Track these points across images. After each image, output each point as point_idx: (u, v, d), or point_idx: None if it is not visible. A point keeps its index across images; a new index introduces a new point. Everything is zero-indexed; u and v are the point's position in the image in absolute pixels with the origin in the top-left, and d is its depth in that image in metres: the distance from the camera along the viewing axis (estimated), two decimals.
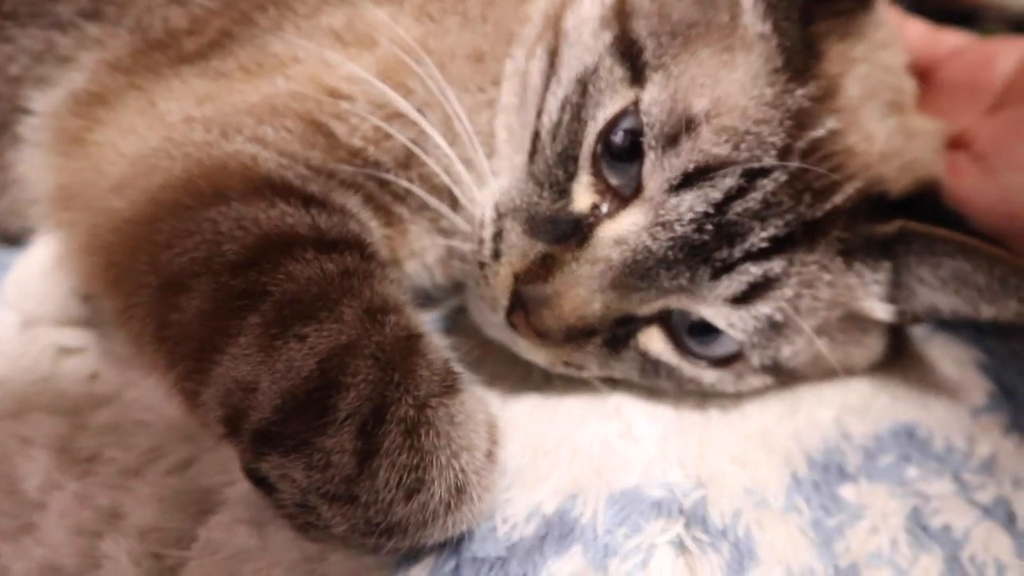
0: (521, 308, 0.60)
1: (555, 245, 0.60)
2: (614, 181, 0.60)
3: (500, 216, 0.62)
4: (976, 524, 0.60)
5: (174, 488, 0.59)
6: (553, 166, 0.61)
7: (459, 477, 0.50)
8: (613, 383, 0.67)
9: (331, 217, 0.59)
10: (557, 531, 0.55)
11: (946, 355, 0.77)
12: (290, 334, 0.51)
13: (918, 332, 0.79)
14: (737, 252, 0.58)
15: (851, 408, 0.70)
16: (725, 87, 0.58)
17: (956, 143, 0.71)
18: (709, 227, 0.57)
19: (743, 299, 0.59)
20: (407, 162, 0.65)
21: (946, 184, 0.68)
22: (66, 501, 0.58)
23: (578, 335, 0.60)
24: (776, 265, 0.58)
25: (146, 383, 0.65)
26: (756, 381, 0.66)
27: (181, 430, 0.62)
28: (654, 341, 0.63)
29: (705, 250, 0.58)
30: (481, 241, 0.63)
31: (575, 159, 0.61)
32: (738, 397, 0.68)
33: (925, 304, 0.66)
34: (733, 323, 0.60)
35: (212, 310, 0.53)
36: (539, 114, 0.63)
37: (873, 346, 0.69)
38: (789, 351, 0.63)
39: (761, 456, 0.64)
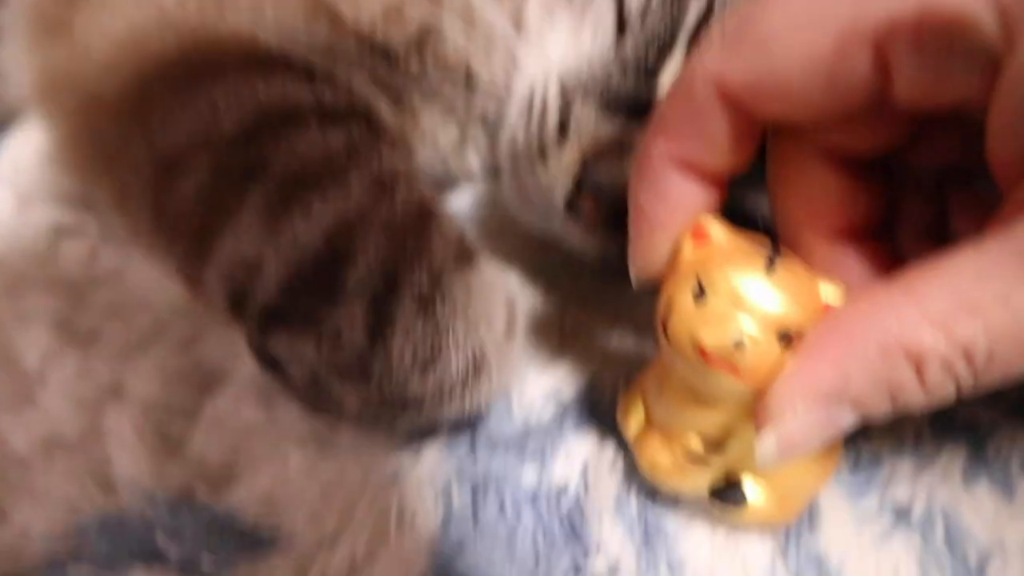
0: (590, 190, 0.55)
1: (634, 125, 0.54)
2: None
3: (568, 94, 0.57)
4: (1001, 418, 0.58)
5: (178, 364, 0.57)
6: (641, 45, 0.56)
7: (477, 350, 0.48)
8: None
9: (336, 91, 0.56)
10: (576, 413, 0.54)
11: None
12: (295, 208, 0.48)
13: None
14: None
15: None
16: None
17: None
18: None
19: None
20: (420, 43, 0.61)
21: None
22: (66, 375, 0.56)
23: None
24: None
25: (147, 263, 0.63)
26: None
27: (184, 308, 0.60)
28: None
29: None
30: (542, 122, 0.58)
31: (671, 38, 0.55)
32: None
33: None
34: None
35: (211, 188, 0.51)
36: None
37: None
38: None
39: None
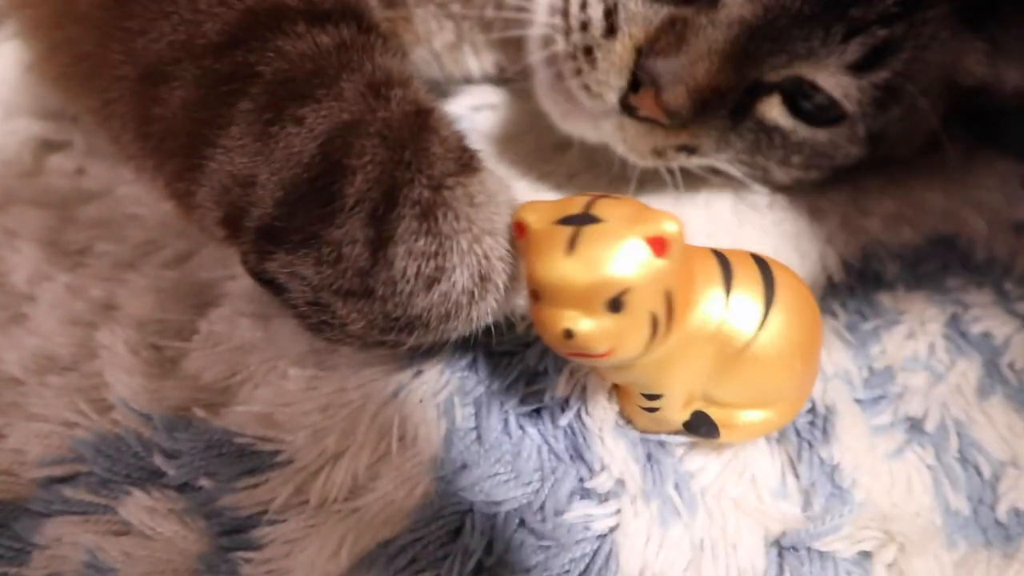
0: (650, 85, 0.53)
1: (684, 6, 0.53)
2: None
3: None
4: (1016, 332, 0.57)
5: (172, 281, 0.56)
6: None
7: (482, 264, 0.46)
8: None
9: None
10: None
11: (989, 170, 0.73)
12: (286, 118, 0.45)
13: (962, 147, 0.74)
14: (872, 12, 0.53)
15: (890, 217, 0.66)
16: None
17: None
18: None
19: (863, 66, 0.55)
20: None
21: None
22: (57, 293, 0.55)
23: (708, 108, 0.55)
24: (899, 28, 0.54)
25: (136, 178, 0.61)
26: (854, 149, 0.63)
27: (176, 225, 0.58)
28: (773, 108, 0.59)
29: (840, 5, 0.52)
30: (585, 24, 0.55)
31: None
32: (832, 171, 0.65)
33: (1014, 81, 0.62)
34: (849, 93, 0.56)
35: (198, 99, 0.48)
36: None
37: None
38: (895, 116, 0.60)
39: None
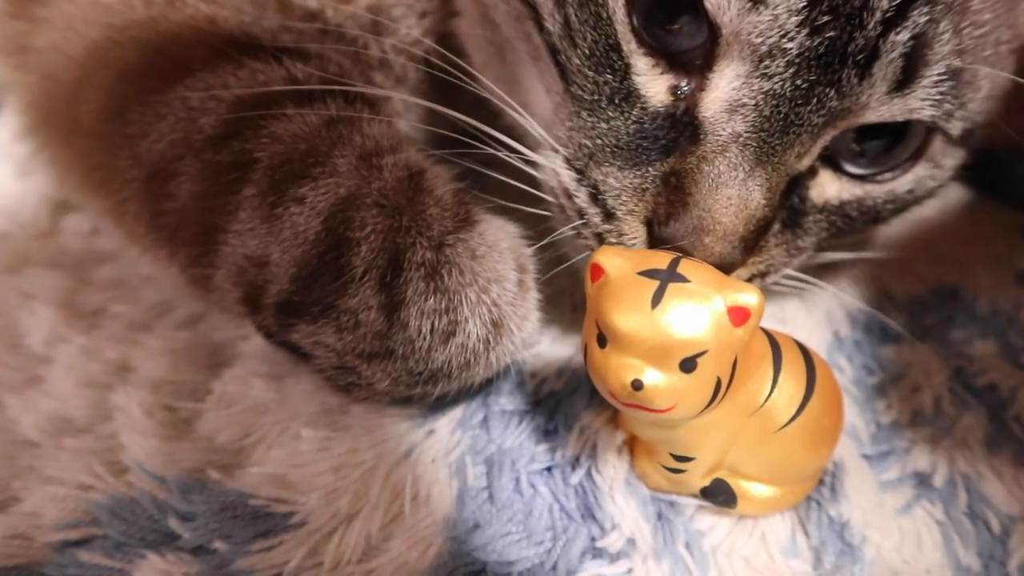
0: (680, 252, 0.45)
1: (667, 158, 0.47)
2: (677, 45, 0.47)
3: (583, 173, 0.49)
4: (1022, 385, 0.58)
5: (185, 342, 0.56)
6: (595, 73, 0.48)
7: (493, 311, 0.47)
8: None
9: (307, 64, 0.54)
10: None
11: (991, 220, 0.74)
12: (288, 199, 0.48)
13: (963, 197, 0.75)
14: (871, 29, 0.43)
15: (897, 268, 0.66)
16: None
17: None
18: (824, 19, 0.43)
19: (907, 78, 0.45)
20: (376, 29, 0.57)
21: None
22: (73, 354, 0.56)
23: (756, 239, 0.48)
24: (918, 14, 0.43)
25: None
26: (951, 160, 0.54)
27: None
28: (828, 186, 0.51)
29: (835, 51, 0.44)
30: (581, 213, 0.50)
31: (616, 48, 0.47)
32: (928, 197, 0.56)
33: None
34: (913, 107, 0.47)
35: (204, 190, 0.50)
36: (540, 27, 0.49)
37: None
38: (978, 99, 0.50)
39: (801, 315, 0.61)
